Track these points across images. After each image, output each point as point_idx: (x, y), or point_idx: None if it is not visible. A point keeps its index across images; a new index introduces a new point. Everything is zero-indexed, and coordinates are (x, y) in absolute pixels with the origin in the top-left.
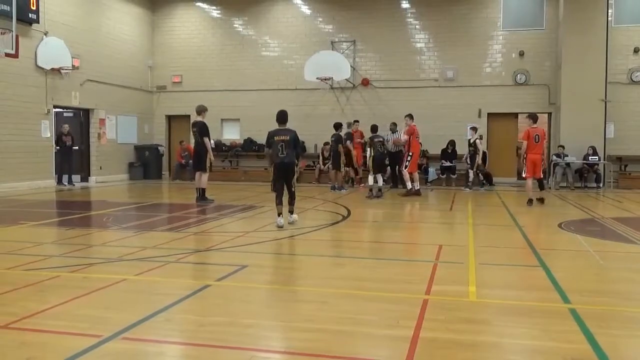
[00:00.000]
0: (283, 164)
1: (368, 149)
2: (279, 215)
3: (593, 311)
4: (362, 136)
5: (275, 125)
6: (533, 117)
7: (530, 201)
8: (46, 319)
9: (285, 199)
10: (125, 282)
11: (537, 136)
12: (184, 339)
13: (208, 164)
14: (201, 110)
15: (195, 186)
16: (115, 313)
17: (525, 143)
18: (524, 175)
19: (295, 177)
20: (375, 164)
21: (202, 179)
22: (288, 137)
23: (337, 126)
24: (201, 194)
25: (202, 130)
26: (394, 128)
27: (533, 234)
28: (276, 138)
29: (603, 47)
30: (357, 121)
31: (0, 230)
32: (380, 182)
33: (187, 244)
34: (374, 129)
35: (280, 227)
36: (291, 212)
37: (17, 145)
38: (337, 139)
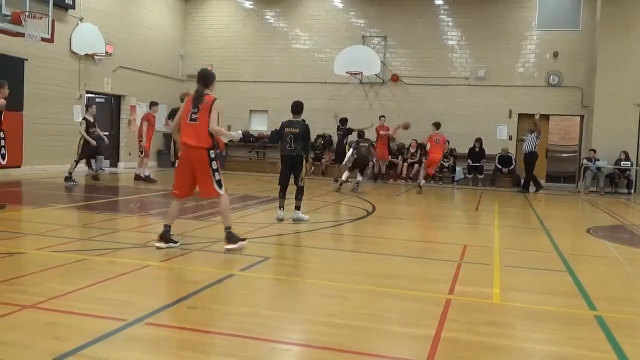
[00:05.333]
0: (290, 157)
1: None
2: (279, 207)
3: (619, 319)
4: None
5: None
6: (436, 125)
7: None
8: (72, 300)
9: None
10: (150, 268)
11: (437, 140)
12: (206, 327)
13: None
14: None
15: None
16: (139, 298)
17: (428, 145)
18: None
19: (304, 171)
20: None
21: None
22: (297, 130)
23: (344, 121)
24: None
25: None
26: (533, 129)
27: (560, 238)
28: (286, 130)
29: None
30: (383, 116)
31: (31, 211)
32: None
33: (212, 232)
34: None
35: (280, 220)
36: (297, 207)
37: (49, 129)
38: (345, 134)
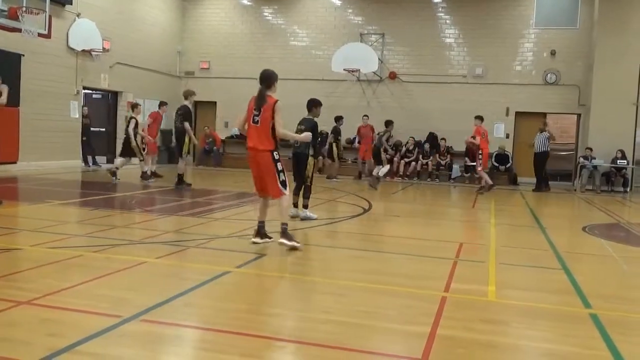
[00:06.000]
0: (296, 154)
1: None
2: (293, 205)
3: (615, 317)
4: (372, 131)
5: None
6: (481, 118)
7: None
8: (68, 297)
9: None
10: (146, 265)
11: (483, 133)
12: (202, 323)
13: (187, 150)
14: (189, 95)
15: (179, 172)
16: (135, 295)
17: (478, 139)
18: (479, 168)
19: (310, 170)
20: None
21: (181, 164)
22: (304, 128)
23: (338, 119)
24: (180, 179)
25: (185, 115)
26: (543, 128)
27: (556, 236)
28: (297, 127)
29: (638, 49)
30: (367, 116)
31: (27, 207)
32: None
33: (209, 229)
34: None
35: (292, 216)
36: (304, 206)
37: (46, 125)
38: (334, 132)
